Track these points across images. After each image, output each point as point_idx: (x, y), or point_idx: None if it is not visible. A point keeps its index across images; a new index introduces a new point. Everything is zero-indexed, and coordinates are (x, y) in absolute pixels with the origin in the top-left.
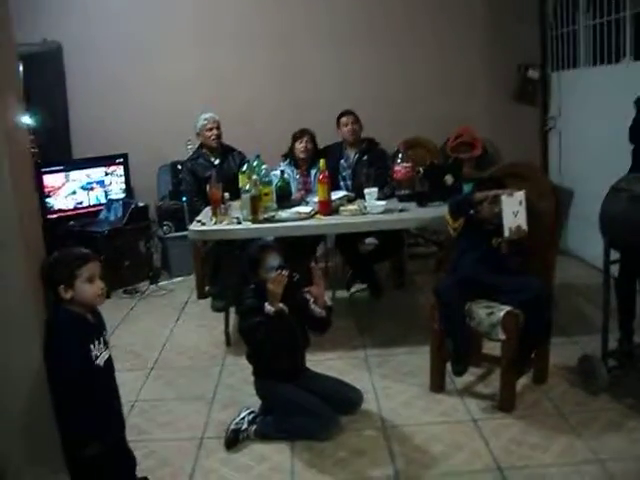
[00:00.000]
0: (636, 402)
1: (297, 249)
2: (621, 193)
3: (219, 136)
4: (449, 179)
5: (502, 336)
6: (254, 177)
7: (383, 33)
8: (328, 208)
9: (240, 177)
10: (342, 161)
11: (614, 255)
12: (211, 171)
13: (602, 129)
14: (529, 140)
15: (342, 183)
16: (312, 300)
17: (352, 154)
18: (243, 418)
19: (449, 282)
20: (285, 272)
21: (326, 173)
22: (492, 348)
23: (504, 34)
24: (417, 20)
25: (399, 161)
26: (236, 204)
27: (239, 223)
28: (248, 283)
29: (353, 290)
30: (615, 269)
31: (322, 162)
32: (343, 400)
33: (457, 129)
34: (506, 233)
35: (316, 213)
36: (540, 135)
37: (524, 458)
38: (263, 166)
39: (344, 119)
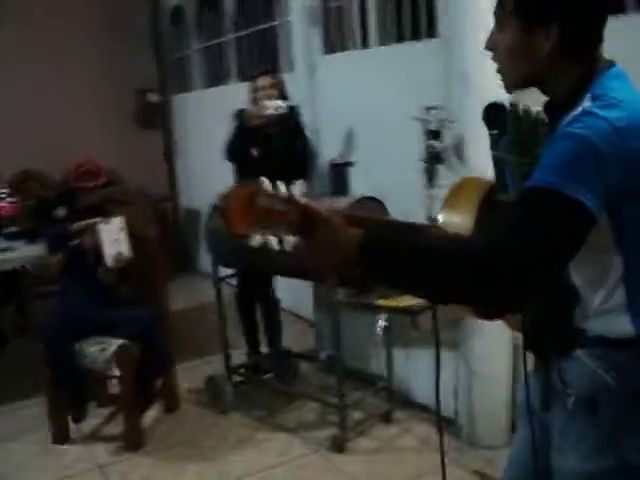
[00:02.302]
0: (265, 413)
1: None
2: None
3: None
4: (60, 212)
5: (117, 372)
6: None
7: None
8: None
9: None
10: None
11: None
12: None
13: (218, 148)
14: (156, 163)
15: None
16: None
17: None
18: None
19: (52, 322)
20: None
21: None
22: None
23: (121, 60)
24: (33, 53)
25: (4, 197)
26: None
27: None
28: None
29: None
30: None
31: None
32: None
33: (78, 158)
34: (108, 262)
35: None
36: (166, 157)
37: None
38: None
39: None
